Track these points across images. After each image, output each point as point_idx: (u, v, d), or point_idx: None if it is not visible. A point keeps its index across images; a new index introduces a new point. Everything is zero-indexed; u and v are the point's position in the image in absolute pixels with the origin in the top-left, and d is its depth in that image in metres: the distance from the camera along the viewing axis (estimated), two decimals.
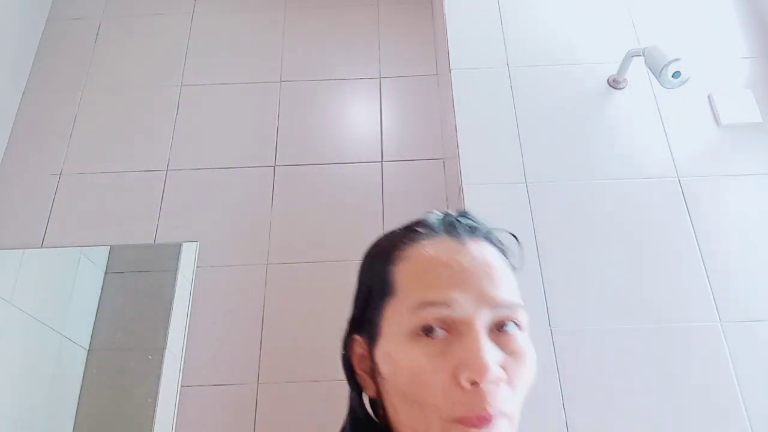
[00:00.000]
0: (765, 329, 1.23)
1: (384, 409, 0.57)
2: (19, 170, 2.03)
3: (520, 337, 0.53)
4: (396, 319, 0.54)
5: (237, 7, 2.36)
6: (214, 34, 2.29)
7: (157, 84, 2.18)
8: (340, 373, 0.61)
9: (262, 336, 1.74)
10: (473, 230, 0.57)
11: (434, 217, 0.59)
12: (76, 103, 2.15)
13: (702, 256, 1.31)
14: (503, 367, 0.50)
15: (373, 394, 0.58)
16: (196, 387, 1.68)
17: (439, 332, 0.51)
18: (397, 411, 0.54)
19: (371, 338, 0.57)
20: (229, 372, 1.70)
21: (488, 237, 0.58)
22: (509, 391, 0.50)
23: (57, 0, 2.39)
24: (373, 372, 0.57)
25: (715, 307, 1.25)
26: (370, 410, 0.60)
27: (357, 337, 0.59)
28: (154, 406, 1.64)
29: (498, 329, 0.52)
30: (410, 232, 0.58)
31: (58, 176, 2.01)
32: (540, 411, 1.18)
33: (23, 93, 2.18)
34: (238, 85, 2.17)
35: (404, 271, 0.55)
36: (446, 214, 0.59)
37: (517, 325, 0.53)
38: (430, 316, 0.51)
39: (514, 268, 0.57)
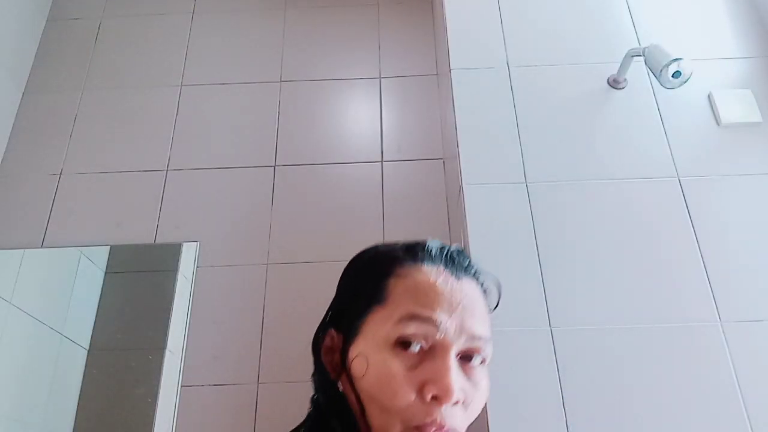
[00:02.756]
0: (765, 329, 1.23)
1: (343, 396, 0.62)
2: (19, 170, 2.03)
3: (483, 371, 0.62)
4: (379, 326, 0.60)
5: (237, 7, 2.36)
6: (214, 34, 2.29)
7: (157, 84, 2.18)
8: None
9: (262, 336, 1.74)
10: (467, 269, 0.65)
11: (435, 246, 0.66)
12: (76, 103, 2.15)
13: (702, 256, 1.31)
14: (463, 391, 0.58)
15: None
16: (196, 387, 1.68)
17: (416, 347, 0.58)
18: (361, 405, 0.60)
19: (347, 336, 0.63)
20: (229, 372, 1.70)
21: (477, 277, 0.66)
22: (463, 412, 0.59)
23: (57, 0, 2.39)
24: (339, 365, 0.63)
25: (715, 307, 1.25)
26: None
27: (332, 331, 0.65)
28: (154, 406, 1.64)
29: (465, 358, 0.60)
30: (412, 253, 0.64)
31: (58, 176, 2.01)
32: (540, 411, 1.18)
33: (23, 93, 2.18)
34: (238, 85, 2.17)
35: (401, 286, 0.61)
36: (447, 248, 0.66)
37: (482, 360, 0.61)
38: (413, 330, 0.58)
39: (490, 309, 0.66)
